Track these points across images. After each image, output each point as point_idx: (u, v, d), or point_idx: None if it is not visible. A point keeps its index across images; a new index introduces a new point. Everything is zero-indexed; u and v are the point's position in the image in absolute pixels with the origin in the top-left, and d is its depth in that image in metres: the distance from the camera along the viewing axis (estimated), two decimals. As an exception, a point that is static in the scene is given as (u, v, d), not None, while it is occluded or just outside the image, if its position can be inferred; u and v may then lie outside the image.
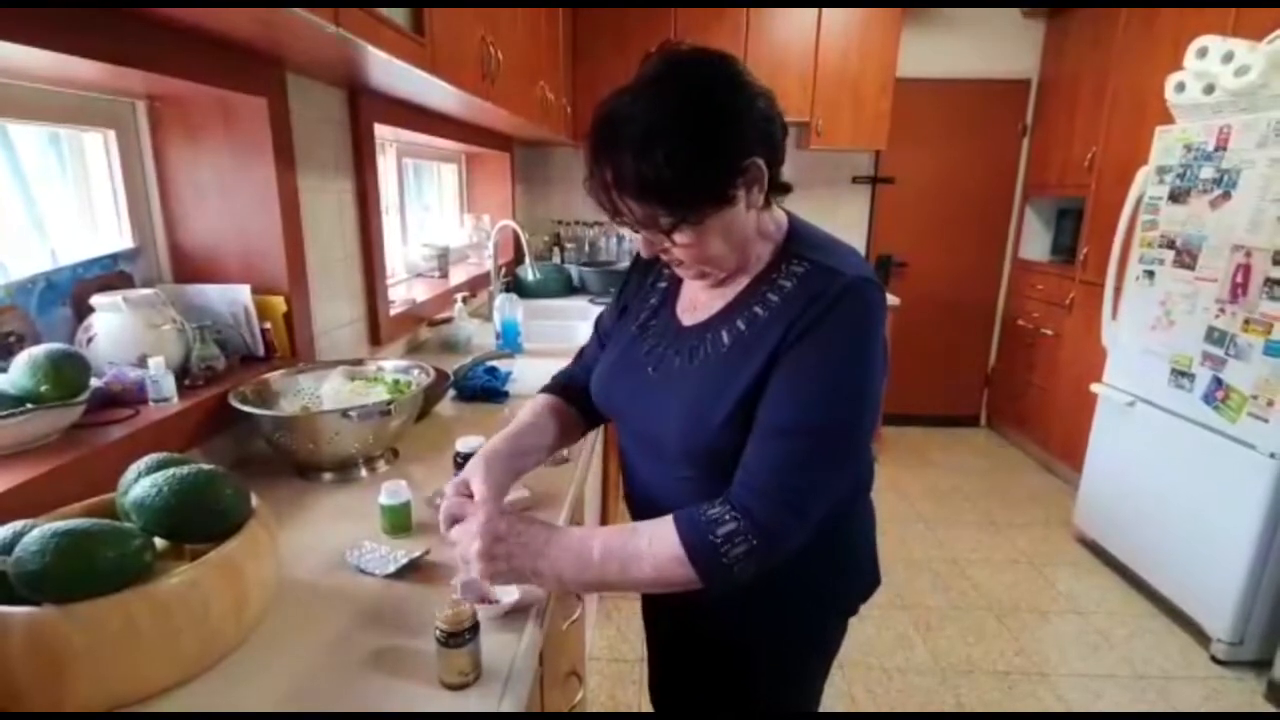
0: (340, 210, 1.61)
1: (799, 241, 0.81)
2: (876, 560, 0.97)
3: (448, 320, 2.12)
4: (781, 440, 0.72)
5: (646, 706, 1.84)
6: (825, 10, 3.15)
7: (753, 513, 0.70)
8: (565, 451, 1.27)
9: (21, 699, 0.61)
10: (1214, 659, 2.09)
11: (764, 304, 0.77)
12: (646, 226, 0.74)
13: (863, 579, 0.96)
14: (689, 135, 0.69)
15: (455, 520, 0.77)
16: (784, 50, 3.20)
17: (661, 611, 1.09)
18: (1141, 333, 2.42)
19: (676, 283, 0.92)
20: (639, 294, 0.97)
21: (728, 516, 0.70)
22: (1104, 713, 1.90)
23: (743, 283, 0.82)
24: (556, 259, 3.52)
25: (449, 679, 0.69)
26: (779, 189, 0.78)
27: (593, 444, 1.39)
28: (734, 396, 0.75)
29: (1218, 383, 2.09)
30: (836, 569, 0.92)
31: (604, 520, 2.27)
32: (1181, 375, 2.23)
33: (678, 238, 0.74)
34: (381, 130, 1.82)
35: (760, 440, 0.73)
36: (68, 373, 0.92)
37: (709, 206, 0.72)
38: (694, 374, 0.80)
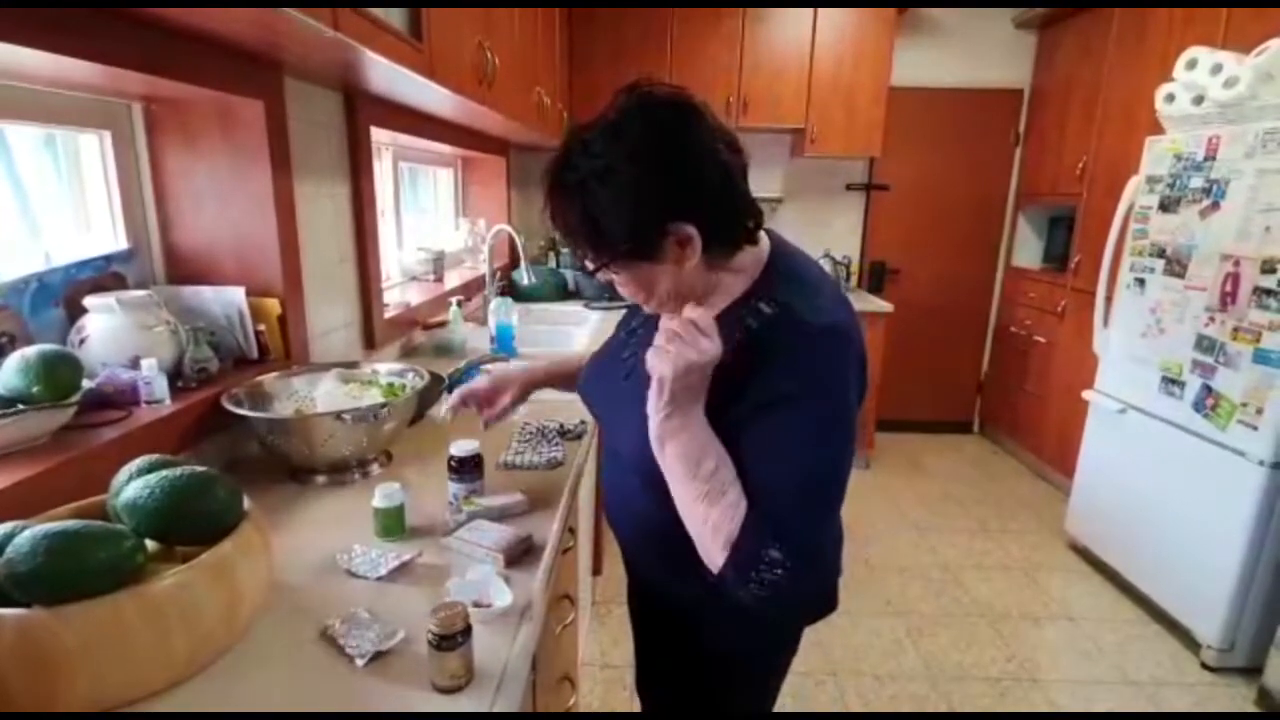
0: (336, 213, 1.61)
1: (775, 275, 0.81)
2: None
3: (442, 324, 2.12)
4: (787, 481, 0.73)
5: (639, 712, 1.84)
6: (820, 18, 3.18)
7: (790, 545, 0.71)
8: (560, 455, 1.28)
9: (11, 701, 0.60)
10: (1205, 665, 2.10)
11: (728, 340, 0.75)
12: (580, 260, 0.81)
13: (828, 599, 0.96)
14: (615, 191, 0.72)
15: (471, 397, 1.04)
16: (779, 58, 3.22)
17: (648, 612, 1.12)
18: (1132, 340, 2.44)
19: None
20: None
21: (774, 543, 0.71)
22: (1098, 713, 1.91)
23: (718, 304, 0.81)
24: (551, 263, 3.52)
25: (441, 682, 0.68)
26: (731, 243, 0.78)
27: (587, 448, 1.39)
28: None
29: (1208, 390, 2.10)
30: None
31: (598, 525, 2.27)
32: (1172, 383, 2.25)
33: (620, 276, 0.80)
34: (378, 134, 1.83)
35: (762, 481, 0.74)
36: (60, 374, 0.91)
37: (630, 259, 0.77)
38: (642, 393, 0.79)
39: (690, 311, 0.74)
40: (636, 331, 0.95)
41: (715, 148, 0.74)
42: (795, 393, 0.73)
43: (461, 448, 1.04)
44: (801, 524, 0.73)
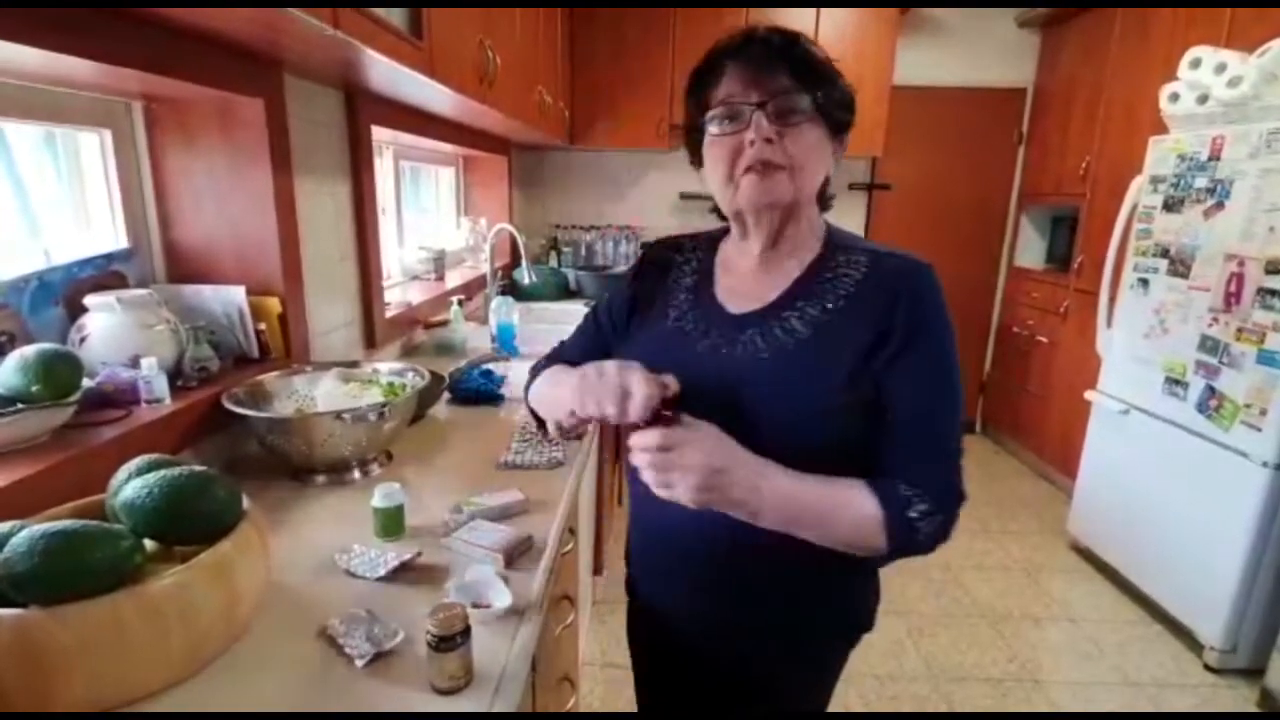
0: (337, 212, 1.61)
1: (841, 236, 0.86)
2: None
3: (443, 323, 2.12)
4: (930, 422, 0.77)
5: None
6: (823, 17, 3.17)
7: (936, 488, 0.74)
8: (561, 454, 1.27)
9: (9, 701, 0.60)
10: (1207, 666, 2.09)
11: (833, 294, 0.79)
12: (787, 94, 0.75)
13: (875, 591, 0.93)
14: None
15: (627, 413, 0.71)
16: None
17: (657, 639, 1.01)
18: (1136, 341, 2.44)
19: (707, 277, 0.90)
20: (660, 292, 0.92)
21: (914, 495, 0.73)
22: (1099, 714, 1.91)
23: (791, 271, 0.83)
24: (553, 262, 3.52)
25: (440, 683, 0.68)
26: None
27: (587, 448, 1.39)
28: (839, 381, 0.75)
29: (1211, 391, 2.10)
30: (861, 583, 0.90)
31: (599, 526, 2.26)
32: (1175, 383, 2.24)
33: (797, 117, 0.76)
34: (379, 133, 1.82)
35: (910, 425, 0.76)
36: (59, 372, 0.91)
37: (837, 111, 0.79)
38: (783, 359, 0.78)
39: (637, 440, 0.72)
40: (686, 316, 0.87)
41: None
42: (930, 328, 0.76)
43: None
44: (949, 453, 0.77)
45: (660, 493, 0.72)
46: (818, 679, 0.95)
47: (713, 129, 0.79)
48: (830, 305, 0.79)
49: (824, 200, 0.86)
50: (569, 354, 1.00)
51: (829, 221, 0.88)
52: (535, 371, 0.99)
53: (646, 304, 0.93)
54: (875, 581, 0.93)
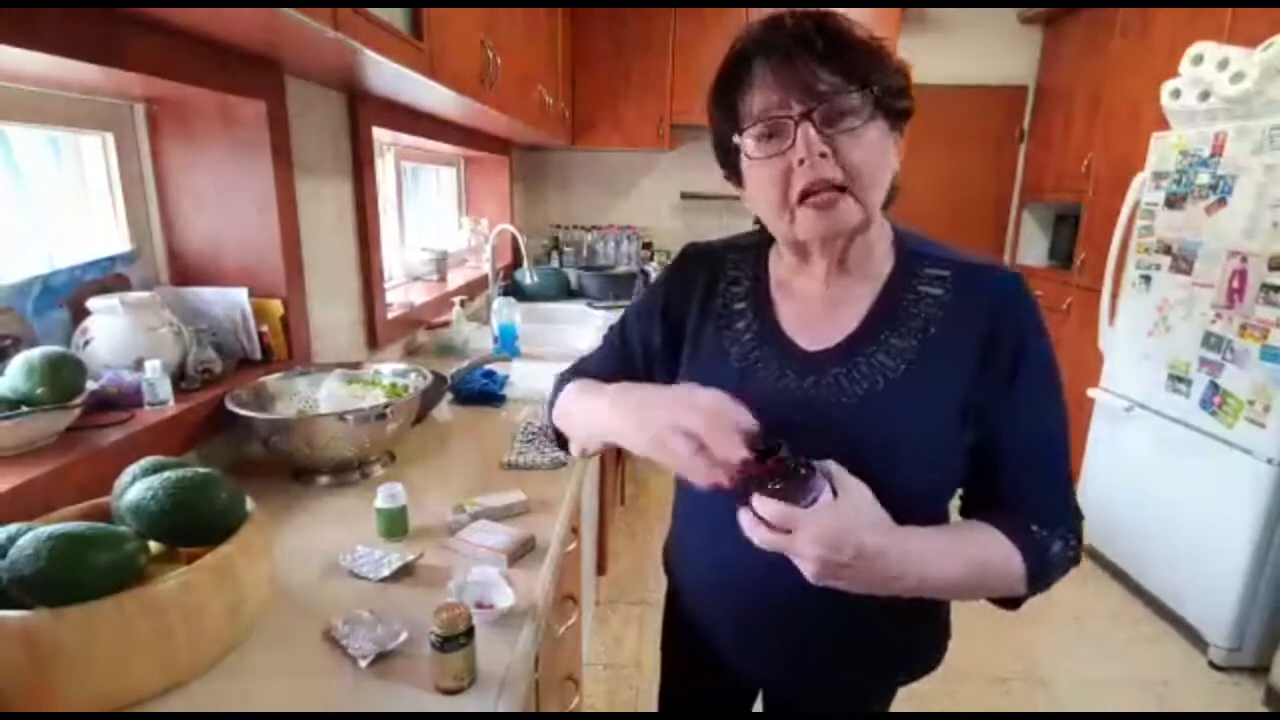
0: (339, 214, 1.61)
1: (912, 241, 0.76)
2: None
3: (445, 324, 2.12)
4: (1048, 447, 0.70)
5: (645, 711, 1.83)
6: (823, 16, 3.16)
7: (1062, 517, 0.69)
8: (562, 455, 1.27)
9: (14, 701, 0.60)
10: (1212, 665, 2.08)
11: (923, 315, 0.70)
12: (835, 95, 0.63)
13: (946, 626, 0.87)
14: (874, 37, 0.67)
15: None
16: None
17: (694, 656, 0.93)
18: (1139, 338, 2.43)
19: (767, 305, 0.78)
20: (707, 318, 0.80)
21: (1049, 535, 0.67)
22: (1103, 713, 1.90)
23: (865, 295, 0.72)
24: (555, 263, 3.52)
25: (444, 683, 0.68)
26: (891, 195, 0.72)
27: (590, 448, 1.39)
28: (948, 419, 0.68)
29: (1214, 388, 2.09)
30: (937, 624, 0.85)
31: (602, 525, 2.27)
32: (1178, 380, 2.24)
33: (852, 119, 0.64)
34: (380, 134, 1.83)
35: (1026, 454, 0.69)
36: (63, 375, 0.91)
37: (896, 101, 0.66)
38: (876, 403, 0.69)
39: (761, 509, 0.59)
40: (750, 355, 0.76)
41: None
42: (1038, 350, 0.69)
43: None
44: (1070, 482, 0.71)
45: (771, 546, 0.59)
46: (861, 713, 0.89)
47: (750, 148, 0.67)
48: (921, 333, 0.69)
49: (889, 199, 0.72)
50: (595, 373, 0.85)
51: (894, 223, 0.77)
52: (559, 386, 0.87)
53: (690, 334, 0.80)
54: (947, 617, 0.86)
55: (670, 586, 0.98)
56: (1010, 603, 0.72)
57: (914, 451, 0.68)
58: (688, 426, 0.59)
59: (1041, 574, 0.67)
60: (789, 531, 0.58)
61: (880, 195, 0.68)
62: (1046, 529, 0.67)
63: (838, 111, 0.63)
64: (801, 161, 0.63)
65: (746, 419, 0.61)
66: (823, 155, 0.63)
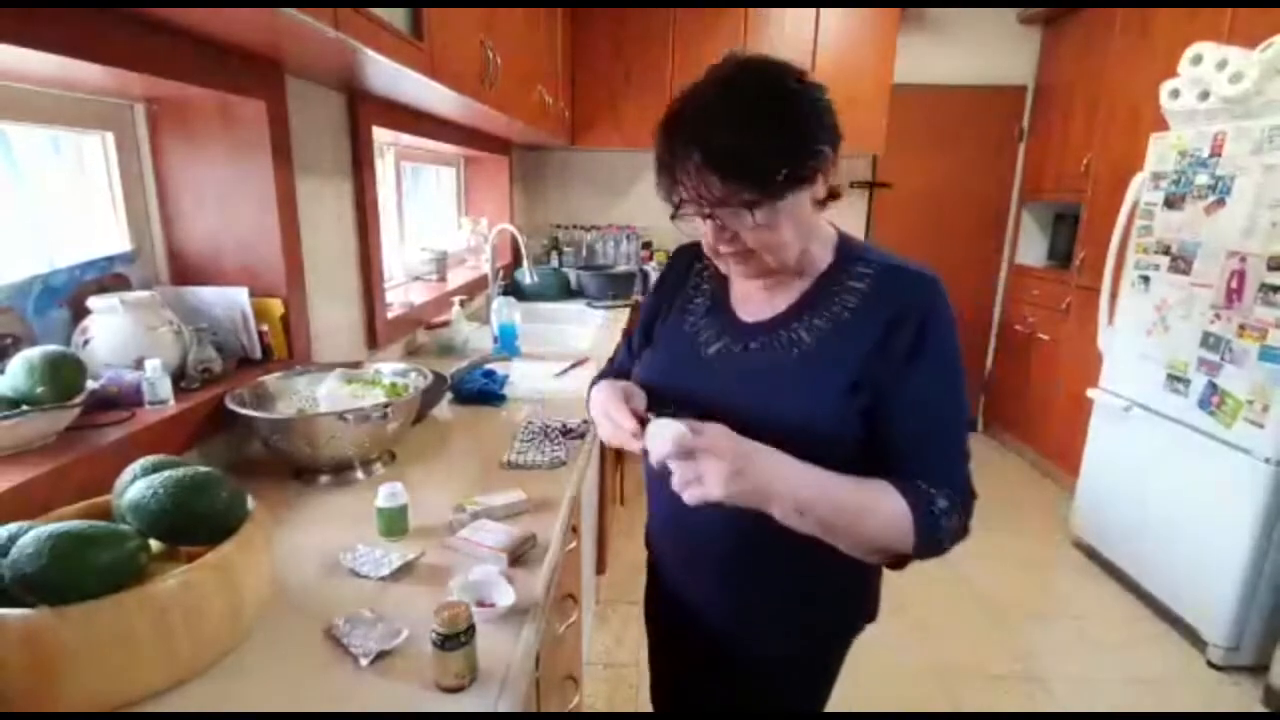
0: (338, 213, 1.61)
1: (852, 245, 0.87)
2: None
3: (445, 323, 2.12)
4: (941, 427, 0.79)
5: (644, 710, 1.84)
6: (822, 16, 3.16)
7: (954, 490, 0.77)
8: (563, 454, 1.28)
9: (14, 701, 0.60)
10: (1211, 664, 2.09)
11: (842, 303, 0.81)
12: (725, 204, 0.74)
13: (878, 583, 1.00)
14: (771, 115, 0.73)
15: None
16: (781, 56, 3.21)
17: (671, 619, 1.06)
18: (1137, 338, 2.43)
19: (723, 283, 0.93)
20: (680, 295, 0.98)
21: (935, 493, 0.76)
22: (1102, 713, 1.91)
23: (800, 285, 0.85)
24: (554, 262, 3.52)
25: (444, 681, 0.69)
26: (833, 193, 0.82)
27: (588, 450, 1.39)
28: (840, 387, 0.78)
29: (1213, 388, 2.09)
30: (870, 574, 0.97)
31: (602, 524, 2.27)
32: (1177, 380, 2.24)
33: (758, 216, 0.74)
34: (380, 133, 1.83)
35: (920, 430, 0.79)
36: (64, 375, 0.92)
37: (789, 183, 0.74)
38: (787, 368, 0.82)
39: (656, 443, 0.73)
40: (702, 321, 0.92)
41: (818, 83, 0.78)
42: (938, 338, 0.77)
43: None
44: (962, 455, 0.80)
45: (691, 495, 0.71)
46: (822, 666, 0.99)
47: (684, 208, 0.79)
48: (836, 317, 0.81)
49: (828, 200, 0.83)
50: (615, 372, 1.08)
51: (840, 231, 0.88)
52: (592, 385, 1.00)
53: (669, 307, 0.98)
54: (879, 575, 0.99)
55: (649, 559, 1.10)
56: (898, 562, 0.81)
57: (806, 414, 0.78)
58: (603, 408, 0.82)
59: (929, 530, 0.75)
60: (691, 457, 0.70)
61: (795, 249, 0.80)
62: (934, 487, 0.76)
63: (733, 211, 0.75)
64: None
65: (639, 397, 0.85)
66: (730, 239, 0.78)
